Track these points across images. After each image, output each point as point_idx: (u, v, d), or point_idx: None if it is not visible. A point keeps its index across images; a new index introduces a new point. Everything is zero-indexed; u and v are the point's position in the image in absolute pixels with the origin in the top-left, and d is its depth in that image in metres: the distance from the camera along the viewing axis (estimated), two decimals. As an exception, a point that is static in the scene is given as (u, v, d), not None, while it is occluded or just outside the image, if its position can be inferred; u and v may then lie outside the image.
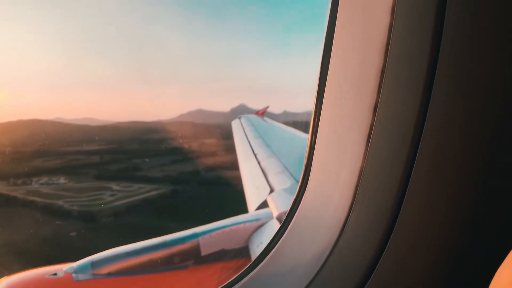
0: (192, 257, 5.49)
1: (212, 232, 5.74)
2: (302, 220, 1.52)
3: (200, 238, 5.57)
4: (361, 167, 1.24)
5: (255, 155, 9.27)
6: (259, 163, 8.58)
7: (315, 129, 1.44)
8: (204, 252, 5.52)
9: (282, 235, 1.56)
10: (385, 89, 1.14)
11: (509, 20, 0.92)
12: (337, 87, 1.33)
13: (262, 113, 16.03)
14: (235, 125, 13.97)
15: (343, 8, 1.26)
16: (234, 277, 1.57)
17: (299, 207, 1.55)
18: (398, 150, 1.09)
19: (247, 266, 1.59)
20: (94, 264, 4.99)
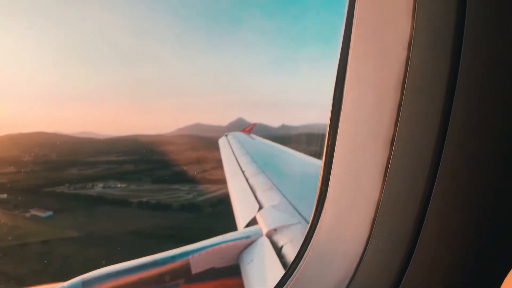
0: (182, 276, 5.46)
1: (202, 250, 5.72)
2: (316, 253, 1.51)
3: (190, 257, 5.55)
4: (378, 200, 1.24)
5: (243, 172, 9.29)
6: (247, 180, 8.59)
7: (328, 162, 1.43)
8: (194, 270, 5.50)
9: (296, 268, 1.54)
10: (401, 124, 1.15)
11: None
12: (352, 121, 1.33)
13: (249, 130, 16.08)
14: (222, 143, 13.98)
15: (357, 40, 1.27)
16: None
17: (312, 241, 1.53)
18: (415, 184, 1.10)
19: None
20: (84, 284, 4.93)
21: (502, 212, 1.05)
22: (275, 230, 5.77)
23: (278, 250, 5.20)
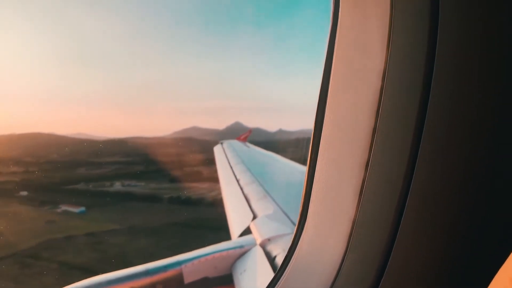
0: (174, 285, 5.41)
1: (195, 260, 5.68)
2: (298, 265, 1.60)
3: (183, 266, 5.51)
4: (354, 217, 1.35)
5: (238, 181, 9.27)
6: (241, 189, 8.57)
7: (310, 181, 1.52)
8: (187, 280, 5.45)
9: (280, 279, 1.62)
10: (376, 148, 1.25)
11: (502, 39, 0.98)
12: (331, 144, 1.42)
13: (244, 138, 16.07)
14: (217, 151, 13.97)
15: (336, 69, 1.35)
16: None
17: (295, 253, 1.62)
18: (387, 204, 1.19)
19: None
20: (74, 294, 4.88)
21: (476, 223, 1.10)
22: (268, 240, 5.75)
23: (272, 260, 5.17)
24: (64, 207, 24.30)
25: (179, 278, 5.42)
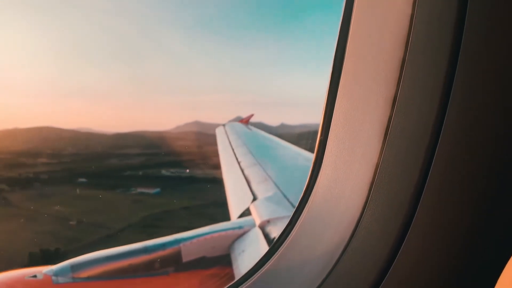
0: (173, 264, 5.44)
1: (194, 239, 5.70)
2: (311, 218, 1.46)
3: (181, 245, 5.53)
4: (377, 162, 1.18)
5: (239, 163, 9.26)
6: (242, 171, 8.57)
7: (326, 121, 1.36)
8: (185, 258, 5.47)
9: (289, 234, 1.50)
10: (404, 82, 1.09)
11: None
12: (353, 77, 1.26)
13: (246, 121, 16.01)
14: (219, 133, 13.94)
15: (360, 2, 1.21)
16: (239, 277, 1.51)
17: (307, 204, 1.48)
18: (416, 145, 1.05)
19: (252, 266, 1.53)
20: (73, 268, 4.90)
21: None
22: (268, 221, 5.74)
23: (270, 242, 5.17)
24: (139, 190, 25.17)
25: (177, 256, 5.44)
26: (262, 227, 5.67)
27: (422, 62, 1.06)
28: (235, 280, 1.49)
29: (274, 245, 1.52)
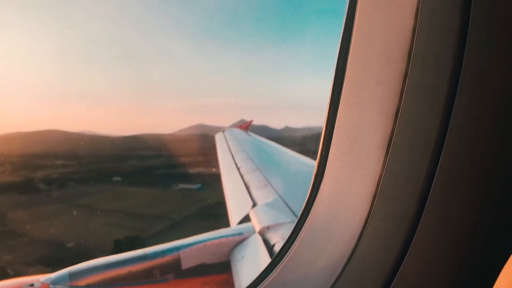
0: (172, 271, 5.40)
1: (193, 246, 5.66)
2: (313, 231, 1.45)
3: (181, 252, 5.49)
4: (380, 174, 1.17)
5: (238, 169, 9.24)
6: (242, 177, 8.55)
7: (328, 133, 1.35)
8: (184, 265, 5.43)
9: (291, 247, 1.48)
10: (407, 94, 1.09)
11: None
12: (355, 91, 1.25)
13: (246, 127, 16.02)
14: (219, 139, 13.93)
15: (363, 8, 1.19)
16: None
17: (309, 216, 1.46)
18: (419, 157, 1.04)
19: (253, 280, 1.51)
20: (71, 276, 4.86)
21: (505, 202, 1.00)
22: (268, 228, 5.71)
23: (270, 248, 5.14)
24: (180, 186, 25.66)
25: (177, 263, 5.41)
26: (262, 234, 5.64)
27: (425, 74, 1.05)
28: None
29: (276, 258, 1.50)
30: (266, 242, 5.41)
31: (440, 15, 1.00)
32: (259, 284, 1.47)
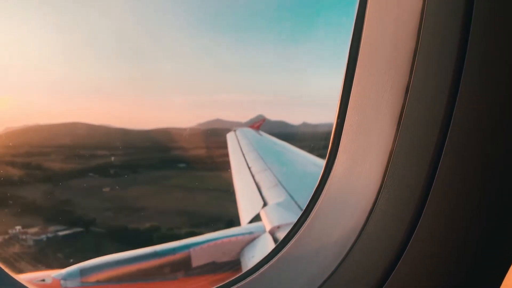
0: (182, 268, 5.41)
1: (204, 244, 5.67)
2: (327, 204, 1.48)
3: (191, 250, 5.50)
4: (391, 149, 1.20)
5: (249, 169, 9.25)
6: (253, 176, 8.55)
7: (342, 110, 1.39)
8: (195, 263, 5.44)
9: (305, 221, 1.52)
10: (417, 70, 1.12)
11: None
12: (368, 67, 1.30)
13: (258, 126, 16.03)
14: (230, 138, 13.95)
15: (371, 11, 1.25)
16: (255, 263, 1.55)
17: (323, 192, 1.50)
18: (429, 133, 1.07)
19: (268, 253, 1.55)
20: (83, 272, 4.90)
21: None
22: (278, 227, 5.70)
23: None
24: None
25: (187, 261, 5.42)
26: (272, 233, 5.63)
27: (433, 52, 1.08)
28: (254, 263, 1.54)
29: (291, 231, 1.55)
30: (276, 241, 5.40)
31: (444, 16, 1.05)
32: (275, 255, 1.53)
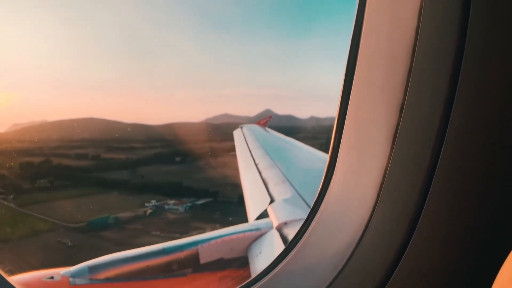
0: (190, 265, 5.44)
1: (212, 241, 5.70)
2: (324, 219, 1.52)
3: (199, 246, 5.52)
4: (386, 166, 1.24)
5: (256, 165, 9.25)
6: (260, 173, 8.55)
7: (339, 128, 1.44)
8: (203, 260, 5.47)
9: (304, 233, 1.56)
10: (411, 90, 1.16)
11: None
12: (364, 87, 1.33)
13: (264, 123, 16.02)
14: (237, 135, 13.96)
15: (370, 9, 1.27)
16: (255, 275, 1.57)
17: (321, 206, 1.54)
18: (422, 150, 1.10)
19: (269, 264, 1.59)
20: (91, 269, 4.94)
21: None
22: (285, 223, 5.70)
23: (283, 248, 5.12)
24: None
25: (195, 258, 5.44)
26: (280, 229, 5.64)
27: (427, 71, 1.12)
28: (256, 274, 1.57)
29: (290, 244, 1.58)
30: (283, 237, 5.41)
31: (441, 15, 1.07)
32: (274, 267, 1.56)
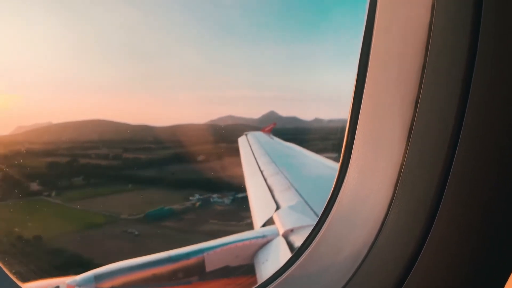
0: (196, 273, 5.41)
1: (217, 248, 5.67)
2: (338, 218, 1.51)
3: (205, 254, 5.50)
4: (402, 162, 1.23)
5: (262, 172, 9.23)
6: (265, 180, 8.53)
7: (352, 125, 1.42)
8: (208, 268, 5.44)
9: (317, 234, 1.54)
10: (425, 84, 1.14)
11: None
12: (377, 82, 1.32)
13: (269, 130, 16.03)
14: (242, 142, 13.96)
15: (382, 5, 1.26)
16: (269, 276, 1.57)
17: (335, 204, 1.53)
18: (438, 145, 1.09)
19: (282, 265, 1.57)
20: (97, 278, 4.92)
21: None
22: (291, 230, 5.67)
23: (294, 251, 5.10)
24: None
25: (201, 265, 5.42)
26: (286, 236, 5.61)
27: (441, 66, 1.11)
28: (269, 276, 1.57)
29: (302, 246, 1.56)
30: (289, 244, 5.37)
31: (454, 11, 1.06)
32: (287, 269, 1.55)
